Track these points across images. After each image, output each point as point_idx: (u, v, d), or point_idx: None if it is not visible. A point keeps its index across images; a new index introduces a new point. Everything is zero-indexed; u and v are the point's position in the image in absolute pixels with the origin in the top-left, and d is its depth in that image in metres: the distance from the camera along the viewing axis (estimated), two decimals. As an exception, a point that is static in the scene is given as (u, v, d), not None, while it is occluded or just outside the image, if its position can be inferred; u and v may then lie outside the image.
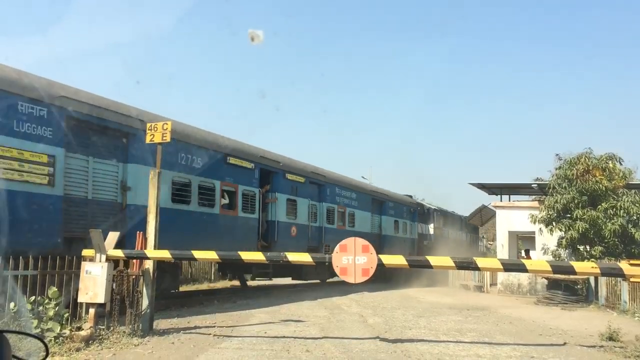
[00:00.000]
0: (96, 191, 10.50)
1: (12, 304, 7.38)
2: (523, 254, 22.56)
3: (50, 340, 7.26)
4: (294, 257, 8.72)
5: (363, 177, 36.69)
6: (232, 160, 14.37)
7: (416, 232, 27.52)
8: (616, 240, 16.84)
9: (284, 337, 8.85)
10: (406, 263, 8.39)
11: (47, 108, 9.37)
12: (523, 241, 24.35)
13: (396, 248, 23.27)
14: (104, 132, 10.73)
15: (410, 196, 28.51)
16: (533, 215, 18.73)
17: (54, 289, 7.94)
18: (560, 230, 17.71)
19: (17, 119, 8.89)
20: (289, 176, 17.11)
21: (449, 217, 32.37)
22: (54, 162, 9.37)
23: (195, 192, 12.95)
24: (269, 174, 16.22)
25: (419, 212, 28.18)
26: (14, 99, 8.88)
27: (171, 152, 11.75)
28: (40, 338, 1.61)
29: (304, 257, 8.87)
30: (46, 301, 7.72)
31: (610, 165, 17.80)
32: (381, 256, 8.02)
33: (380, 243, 22.46)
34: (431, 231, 29.42)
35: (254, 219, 15.26)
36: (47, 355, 1.59)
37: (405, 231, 26.25)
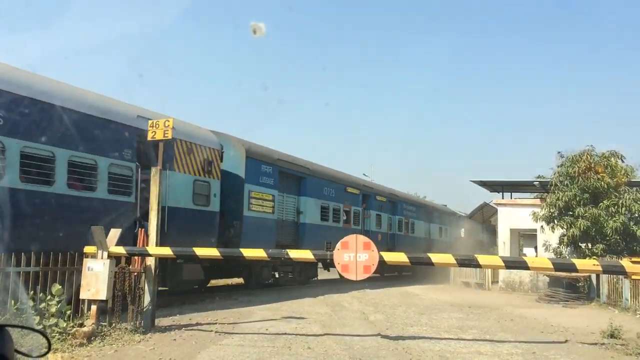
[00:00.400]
0: (286, 214, 17.92)
1: (13, 301, 7.40)
2: (533, 251, 22.48)
3: (53, 336, 7.29)
4: (296, 254, 8.73)
5: (365, 175, 36.79)
6: (349, 190, 21.51)
7: (452, 236, 33.00)
8: (618, 237, 16.81)
9: (285, 334, 8.86)
10: (407, 260, 8.40)
11: (271, 167, 16.36)
12: (525, 239, 24.32)
13: (441, 249, 27.65)
14: (291, 178, 18.04)
15: (445, 205, 35.48)
16: (535, 213, 18.72)
17: (58, 285, 7.96)
18: (562, 227, 17.70)
19: (261, 174, 15.89)
20: (378, 197, 24.16)
21: (473, 222, 36.74)
22: (274, 199, 16.47)
23: (330, 213, 19.93)
24: (366, 196, 23.07)
25: (454, 219, 34.26)
26: (260, 164, 15.93)
27: (318, 186, 19.38)
28: (42, 333, 1.62)
29: (306, 254, 8.88)
30: (48, 297, 7.74)
31: (613, 162, 17.77)
32: (382, 253, 8.04)
33: (429, 245, 28.42)
34: (462, 234, 34.34)
35: (359, 230, 21.17)
36: (49, 350, 1.60)
37: (446, 235, 32.44)
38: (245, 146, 15.50)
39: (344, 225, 20.55)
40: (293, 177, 18.06)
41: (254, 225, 15.31)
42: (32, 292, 7.84)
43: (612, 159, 17.85)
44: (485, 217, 36.13)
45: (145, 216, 10.03)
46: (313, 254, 8.75)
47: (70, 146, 9.70)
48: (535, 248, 21.80)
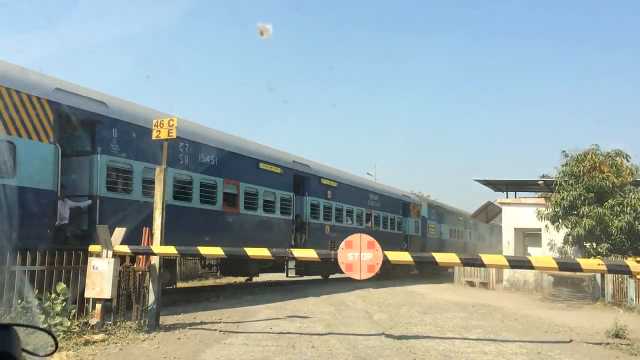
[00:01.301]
0: (391, 228, 25.23)
1: (19, 300, 7.44)
2: (539, 250, 22.36)
3: (57, 335, 7.31)
4: (300, 253, 8.73)
5: (368, 174, 36.81)
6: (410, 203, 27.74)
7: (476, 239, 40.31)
8: (623, 237, 16.73)
9: (289, 333, 8.87)
10: (411, 260, 8.39)
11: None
12: (529, 238, 24.24)
13: (468, 249, 35.30)
14: (411, 209, 27.52)
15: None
16: (539, 212, 18.66)
17: (62, 284, 8.00)
18: (567, 227, 17.63)
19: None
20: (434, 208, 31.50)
21: (487, 225, 39.81)
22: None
23: (381, 220, 24.31)
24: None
25: (472, 224, 38.78)
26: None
27: (378, 203, 24.03)
28: (49, 332, 1.63)
29: (310, 253, 8.88)
30: (53, 296, 7.77)
31: (618, 161, 17.69)
32: (387, 253, 8.02)
33: (465, 247, 35.41)
34: (484, 237, 41.65)
35: (399, 235, 26.27)
36: (56, 349, 1.60)
37: (476, 238, 40.17)
38: None
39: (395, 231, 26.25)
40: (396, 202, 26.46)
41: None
42: (37, 290, 7.87)
43: (618, 158, 17.76)
44: (489, 217, 36.06)
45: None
46: (317, 253, 8.76)
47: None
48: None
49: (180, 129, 10.06)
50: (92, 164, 10.39)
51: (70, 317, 7.89)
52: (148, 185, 11.03)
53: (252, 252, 8.93)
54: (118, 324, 8.53)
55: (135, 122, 11.35)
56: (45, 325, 7.26)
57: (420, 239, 28.36)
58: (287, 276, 18.61)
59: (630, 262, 7.77)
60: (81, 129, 10.49)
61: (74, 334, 7.65)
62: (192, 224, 12.61)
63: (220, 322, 9.77)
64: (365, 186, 23.95)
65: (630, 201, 16.56)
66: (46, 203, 9.32)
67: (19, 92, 9.05)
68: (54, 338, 1.60)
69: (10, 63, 9.47)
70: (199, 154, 13.21)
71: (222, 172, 13.88)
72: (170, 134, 9.36)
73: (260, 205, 15.56)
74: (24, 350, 1.41)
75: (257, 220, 15.47)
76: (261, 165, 15.69)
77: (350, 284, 16.99)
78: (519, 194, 24.55)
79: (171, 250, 8.97)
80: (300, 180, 18.09)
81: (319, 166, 19.55)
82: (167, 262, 12.00)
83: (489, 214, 34.10)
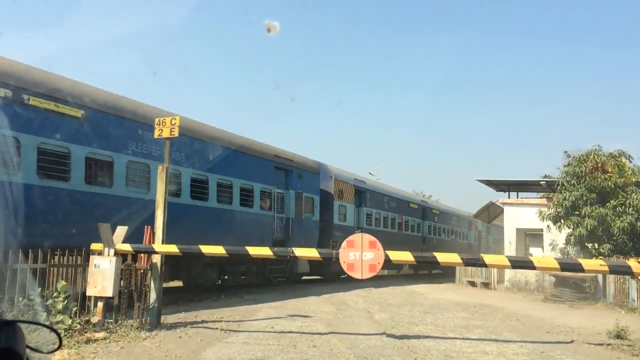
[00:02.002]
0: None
1: (20, 298, 7.45)
2: (540, 251, 22.36)
3: (60, 332, 7.32)
4: (300, 252, 8.73)
5: (370, 173, 36.85)
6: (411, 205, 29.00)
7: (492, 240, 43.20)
8: (625, 237, 16.72)
9: (290, 332, 8.88)
10: (413, 259, 8.38)
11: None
12: (531, 238, 24.22)
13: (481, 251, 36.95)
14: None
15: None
16: (541, 212, 18.65)
17: (63, 282, 8.01)
18: (569, 227, 17.62)
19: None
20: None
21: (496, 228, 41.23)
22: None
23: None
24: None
25: (485, 227, 41.45)
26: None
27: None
28: (53, 329, 1.63)
29: (311, 252, 8.88)
30: (55, 294, 7.78)
31: (622, 162, 17.68)
32: (388, 252, 8.02)
33: (479, 249, 38.53)
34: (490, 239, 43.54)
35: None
36: (60, 346, 1.61)
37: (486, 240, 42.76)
38: None
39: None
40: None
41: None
42: (40, 288, 7.88)
43: (621, 158, 17.75)
44: (491, 217, 36.03)
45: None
46: (319, 252, 8.76)
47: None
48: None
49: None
50: None
51: (72, 315, 7.91)
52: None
53: (253, 251, 8.93)
54: (119, 322, 8.55)
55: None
56: (47, 323, 7.27)
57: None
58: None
59: (632, 262, 7.76)
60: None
61: (75, 332, 7.67)
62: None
63: (221, 321, 9.78)
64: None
65: (633, 202, 16.55)
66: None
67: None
68: (58, 335, 1.60)
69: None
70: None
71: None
72: (173, 133, 9.37)
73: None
74: (28, 347, 1.41)
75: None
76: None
77: (351, 283, 17.01)
78: (521, 194, 24.53)
79: (173, 248, 8.98)
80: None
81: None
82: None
83: (491, 214, 34.09)
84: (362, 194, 23.33)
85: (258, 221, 15.93)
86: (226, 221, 14.48)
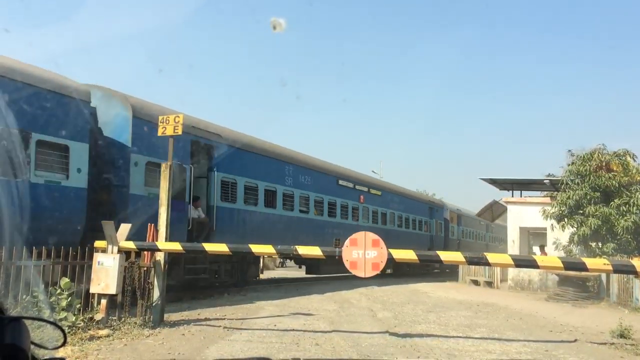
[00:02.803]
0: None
1: (24, 295, 7.48)
2: (538, 250, 22.36)
3: (64, 329, 7.34)
4: (304, 250, 8.73)
5: (373, 172, 36.86)
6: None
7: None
8: (629, 236, 16.68)
9: (293, 330, 8.88)
10: (416, 258, 8.37)
11: None
12: (534, 237, 24.17)
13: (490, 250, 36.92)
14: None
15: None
16: (545, 211, 18.61)
17: (66, 279, 8.03)
18: (572, 226, 17.59)
19: None
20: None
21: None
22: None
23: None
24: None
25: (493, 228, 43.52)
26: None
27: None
28: (58, 325, 1.63)
29: (314, 251, 8.88)
30: (59, 291, 7.80)
31: (627, 160, 17.64)
32: (391, 250, 8.01)
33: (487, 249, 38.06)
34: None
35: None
36: (64, 343, 1.61)
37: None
38: None
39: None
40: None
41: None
42: (44, 285, 7.90)
43: (626, 157, 17.70)
44: (494, 216, 35.98)
45: None
46: (322, 250, 8.76)
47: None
48: (542, 247, 21.66)
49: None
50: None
51: (76, 312, 7.93)
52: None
53: (256, 248, 8.93)
54: (123, 319, 8.57)
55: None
56: (52, 320, 7.28)
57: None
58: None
59: (636, 262, 7.73)
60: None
61: (79, 329, 7.68)
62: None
63: (224, 319, 9.79)
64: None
65: (637, 201, 16.50)
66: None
67: None
68: (63, 332, 1.61)
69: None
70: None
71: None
72: (176, 131, 9.38)
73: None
74: (32, 343, 1.41)
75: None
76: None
77: (354, 281, 17.00)
78: (524, 193, 24.49)
79: (176, 246, 8.99)
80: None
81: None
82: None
83: (494, 212, 34.03)
84: (460, 218, 34.37)
85: (419, 238, 27.55)
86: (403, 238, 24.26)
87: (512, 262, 8.60)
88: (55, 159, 9.58)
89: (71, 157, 9.72)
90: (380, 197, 24.18)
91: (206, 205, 13.45)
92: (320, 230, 18.67)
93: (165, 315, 9.26)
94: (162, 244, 8.96)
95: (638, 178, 17.51)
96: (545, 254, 19.21)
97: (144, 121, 11.30)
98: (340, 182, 20.74)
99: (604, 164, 17.34)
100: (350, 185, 21.54)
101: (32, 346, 1.41)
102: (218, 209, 13.48)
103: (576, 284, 16.81)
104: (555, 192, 20.24)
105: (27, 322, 1.41)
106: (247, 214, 14.87)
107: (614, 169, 17.16)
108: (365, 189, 22.82)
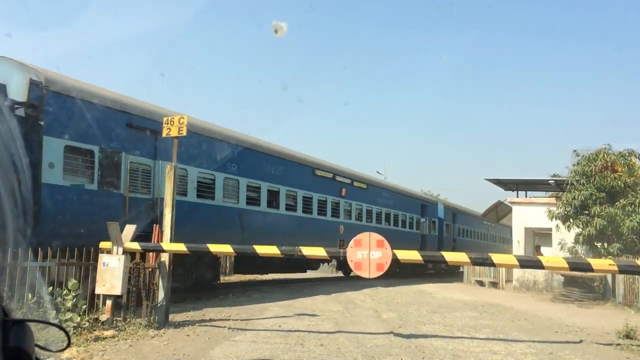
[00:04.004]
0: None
1: (29, 295, 7.51)
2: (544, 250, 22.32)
3: (69, 330, 7.38)
4: (308, 251, 8.73)
5: (378, 172, 36.79)
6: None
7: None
8: (634, 237, 16.59)
9: (298, 331, 8.88)
10: (421, 258, 8.37)
11: None
12: (539, 238, 24.11)
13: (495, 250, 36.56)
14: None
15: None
16: (550, 211, 18.56)
17: (74, 280, 8.06)
18: (578, 226, 17.52)
19: None
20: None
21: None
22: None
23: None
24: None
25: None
26: None
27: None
28: (62, 328, 1.64)
29: (318, 252, 8.88)
30: (64, 292, 7.83)
31: (632, 161, 17.56)
32: (396, 251, 8.00)
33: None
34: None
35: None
36: (68, 345, 1.62)
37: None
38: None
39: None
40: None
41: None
42: (51, 287, 7.93)
43: (631, 157, 17.63)
44: (499, 216, 35.90)
45: None
46: (326, 251, 8.75)
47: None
48: (538, 248, 21.63)
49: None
50: None
51: (81, 313, 7.96)
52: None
53: (260, 249, 8.94)
54: (128, 320, 8.59)
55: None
56: (56, 321, 7.32)
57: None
58: None
59: (642, 262, 7.70)
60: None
61: (84, 330, 7.71)
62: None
63: (229, 320, 9.80)
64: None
65: (642, 201, 16.42)
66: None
67: None
68: (67, 334, 1.61)
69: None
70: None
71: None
72: (181, 132, 9.40)
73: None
74: (37, 345, 1.42)
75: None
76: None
77: (359, 282, 16.99)
78: (529, 193, 24.43)
79: (181, 247, 9.01)
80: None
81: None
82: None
83: (499, 213, 33.97)
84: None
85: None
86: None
87: (517, 263, 8.57)
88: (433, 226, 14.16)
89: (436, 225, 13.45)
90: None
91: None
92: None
93: (170, 316, 9.29)
94: (167, 245, 8.98)
95: None
96: (541, 254, 19.27)
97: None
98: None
99: (609, 164, 17.27)
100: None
101: (36, 349, 1.42)
102: None
103: (582, 284, 16.75)
104: (561, 193, 20.19)
105: (32, 325, 1.41)
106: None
107: (619, 169, 17.08)
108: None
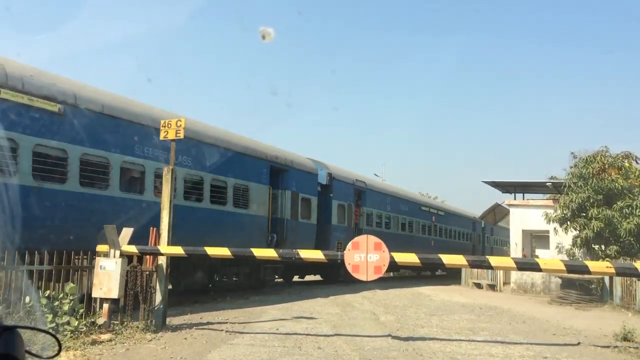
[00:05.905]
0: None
1: (27, 299, 7.49)
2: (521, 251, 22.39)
3: (65, 334, 7.35)
4: (306, 254, 8.72)
5: (375, 175, 36.80)
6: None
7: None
8: (632, 239, 16.63)
9: (295, 333, 8.87)
10: (418, 261, 8.34)
11: None
12: (537, 240, 24.13)
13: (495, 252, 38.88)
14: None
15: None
16: (548, 214, 18.58)
17: (71, 284, 8.04)
18: (575, 229, 17.55)
19: None
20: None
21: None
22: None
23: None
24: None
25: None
26: None
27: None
28: (52, 334, 1.63)
29: (316, 254, 8.87)
30: (61, 296, 7.80)
31: (627, 164, 17.59)
32: (393, 254, 7.99)
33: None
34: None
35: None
36: (59, 351, 1.61)
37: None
38: None
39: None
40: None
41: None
42: (47, 291, 7.90)
43: (627, 160, 17.66)
44: (497, 218, 35.94)
45: None
46: (324, 254, 8.75)
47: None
48: (523, 249, 21.73)
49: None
50: None
51: (78, 317, 7.93)
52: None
53: (258, 252, 8.93)
54: (125, 323, 8.56)
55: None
56: (53, 325, 7.30)
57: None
58: None
59: (639, 264, 7.71)
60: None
61: (81, 334, 7.69)
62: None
63: (226, 323, 9.78)
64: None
65: (639, 203, 16.45)
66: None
67: None
68: (57, 340, 1.61)
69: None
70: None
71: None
72: (178, 135, 9.37)
73: None
74: (27, 352, 1.41)
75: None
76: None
77: (356, 285, 16.97)
78: (527, 195, 24.47)
79: (178, 250, 8.99)
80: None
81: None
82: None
83: (497, 215, 34.01)
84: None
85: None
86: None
87: (514, 265, 8.56)
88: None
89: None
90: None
91: None
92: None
93: (168, 319, 9.25)
94: (164, 247, 8.95)
95: (638, 181, 17.47)
96: (525, 256, 19.51)
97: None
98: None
99: (606, 166, 17.31)
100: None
101: (27, 356, 1.41)
102: None
103: (579, 287, 16.77)
104: (558, 195, 20.22)
105: (23, 331, 1.40)
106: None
107: (612, 173, 17.12)
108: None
